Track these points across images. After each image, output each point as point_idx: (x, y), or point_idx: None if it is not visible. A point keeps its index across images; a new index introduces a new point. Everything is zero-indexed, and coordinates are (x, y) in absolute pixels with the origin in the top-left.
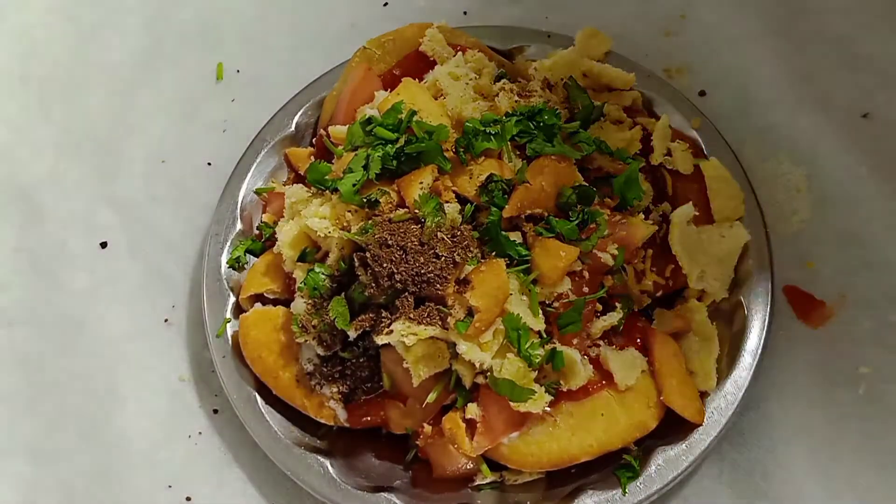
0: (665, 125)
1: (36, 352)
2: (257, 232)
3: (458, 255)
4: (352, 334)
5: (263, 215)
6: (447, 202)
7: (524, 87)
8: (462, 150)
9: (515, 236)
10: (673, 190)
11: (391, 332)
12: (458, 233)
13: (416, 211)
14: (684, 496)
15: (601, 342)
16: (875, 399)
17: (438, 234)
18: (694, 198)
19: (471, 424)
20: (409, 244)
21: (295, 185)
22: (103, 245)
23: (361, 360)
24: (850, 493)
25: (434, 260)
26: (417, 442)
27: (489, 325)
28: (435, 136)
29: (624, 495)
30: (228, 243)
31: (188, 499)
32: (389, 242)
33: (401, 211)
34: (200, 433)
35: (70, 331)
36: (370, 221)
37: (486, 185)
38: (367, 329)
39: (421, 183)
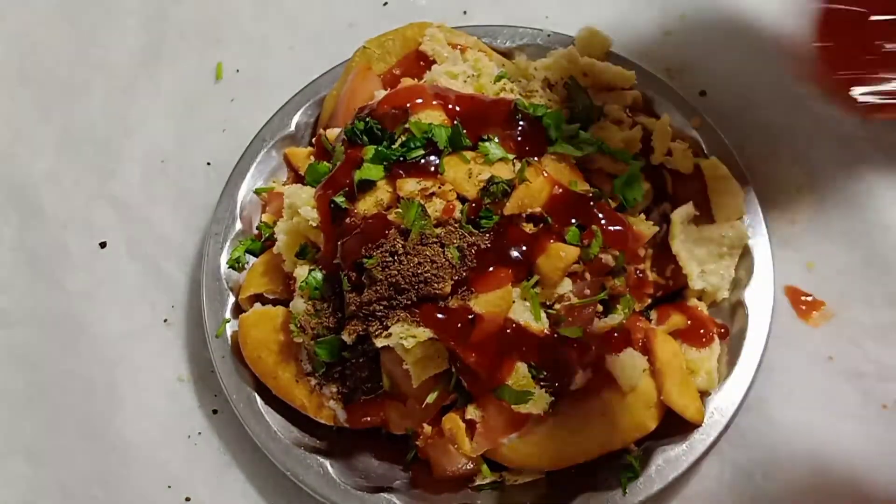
0: (665, 125)
1: (36, 352)
2: (257, 232)
3: (455, 254)
4: (348, 340)
5: (263, 215)
6: (448, 202)
7: (524, 87)
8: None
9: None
10: (673, 190)
11: (390, 334)
12: (455, 229)
13: (400, 221)
14: (684, 496)
15: None
16: (875, 399)
17: (426, 234)
18: (694, 197)
19: (471, 425)
20: (400, 247)
21: (294, 185)
22: (102, 245)
23: (361, 361)
24: (850, 493)
25: (429, 260)
26: (417, 442)
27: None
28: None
29: (624, 495)
30: (228, 243)
31: (188, 499)
32: (383, 245)
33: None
34: (200, 434)
35: (70, 331)
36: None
37: (487, 185)
38: (362, 333)
39: (419, 181)
